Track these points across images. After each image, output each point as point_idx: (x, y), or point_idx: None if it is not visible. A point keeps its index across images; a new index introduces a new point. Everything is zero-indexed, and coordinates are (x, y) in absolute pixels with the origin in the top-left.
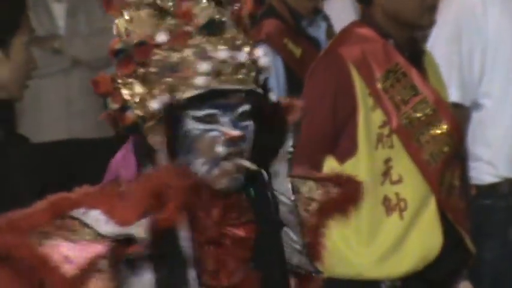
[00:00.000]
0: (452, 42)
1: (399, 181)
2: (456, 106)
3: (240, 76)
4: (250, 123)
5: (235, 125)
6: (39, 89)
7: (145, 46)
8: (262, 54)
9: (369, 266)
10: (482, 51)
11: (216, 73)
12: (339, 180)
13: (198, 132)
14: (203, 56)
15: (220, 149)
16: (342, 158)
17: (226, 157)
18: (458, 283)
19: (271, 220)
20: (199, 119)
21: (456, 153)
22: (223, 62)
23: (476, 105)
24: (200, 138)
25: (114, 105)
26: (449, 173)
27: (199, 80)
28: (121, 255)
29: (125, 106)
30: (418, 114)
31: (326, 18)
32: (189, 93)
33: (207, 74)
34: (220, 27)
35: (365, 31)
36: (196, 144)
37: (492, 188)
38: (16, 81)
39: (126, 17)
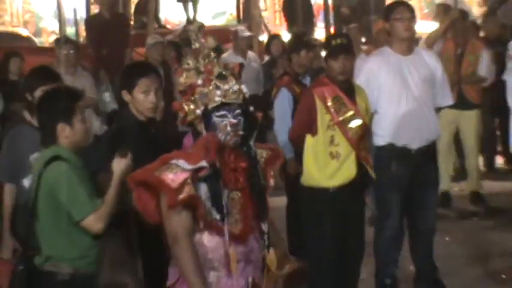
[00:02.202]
0: (365, 87)
1: (337, 145)
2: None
3: (235, 96)
4: (241, 118)
5: (234, 118)
6: None
7: (192, 86)
8: (245, 88)
9: (323, 180)
10: (377, 90)
11: (224, 95)
12: (272, 149)
13: (218, 121)
14: (218, 88)
15: (228, 128)
16: (312, 135)
17: (231, 131)
18: (366, 191)
19: (254, 161)
20: (218, 116)
21: (365, 133)
22: (227, 90)
23: (375, 112)
24: (219, 124)
25: (181, 114)
26: (362, 141)
27: (217, 99)
28: (195, 177)
29: (187, 114)
30: (347, 115)
31: (310, 75)
32: (212, 105)
33: (219, 96)
34: (224, 76)
35: (326, 80)
36: (218, 127)
37: (382, 147)
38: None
39: (184, 76)
